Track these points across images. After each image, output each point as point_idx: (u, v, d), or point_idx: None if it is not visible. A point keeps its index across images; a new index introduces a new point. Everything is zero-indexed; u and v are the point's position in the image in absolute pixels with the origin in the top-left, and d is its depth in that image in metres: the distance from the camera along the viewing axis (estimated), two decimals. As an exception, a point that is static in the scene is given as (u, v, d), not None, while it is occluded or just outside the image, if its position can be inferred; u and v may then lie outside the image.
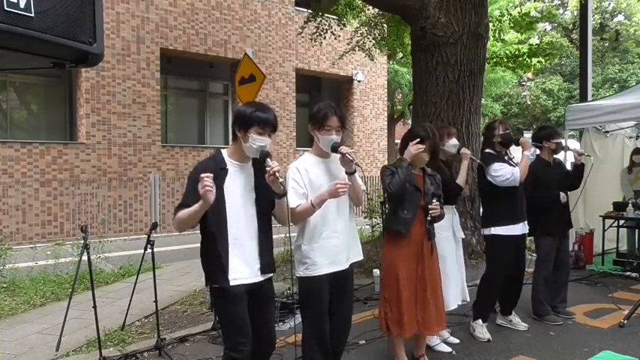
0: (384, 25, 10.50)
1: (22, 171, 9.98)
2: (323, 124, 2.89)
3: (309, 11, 10.56)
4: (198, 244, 2.71)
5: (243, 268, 2.61)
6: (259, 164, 2.61)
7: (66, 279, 6.05)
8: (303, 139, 13.47)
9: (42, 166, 10.20)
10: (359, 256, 3.14)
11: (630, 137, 7.98)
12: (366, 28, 10.66)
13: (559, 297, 4.85)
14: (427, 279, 3.43)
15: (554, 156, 4.79)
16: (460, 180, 4.10)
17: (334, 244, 2.94)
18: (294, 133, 13.83)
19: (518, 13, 11.65)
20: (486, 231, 4.30)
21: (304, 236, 2.95)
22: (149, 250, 4.17)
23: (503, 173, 4.09)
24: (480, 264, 5.73)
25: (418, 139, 3.41)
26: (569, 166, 5.32)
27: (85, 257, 3.93)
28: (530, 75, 24.98)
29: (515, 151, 4.36)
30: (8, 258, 6.11)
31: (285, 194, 2.64)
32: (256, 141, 2.57)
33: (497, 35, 10.98)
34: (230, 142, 2.81)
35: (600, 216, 6.96)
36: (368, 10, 10.34)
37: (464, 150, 4.22)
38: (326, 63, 14.42)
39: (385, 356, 3.81)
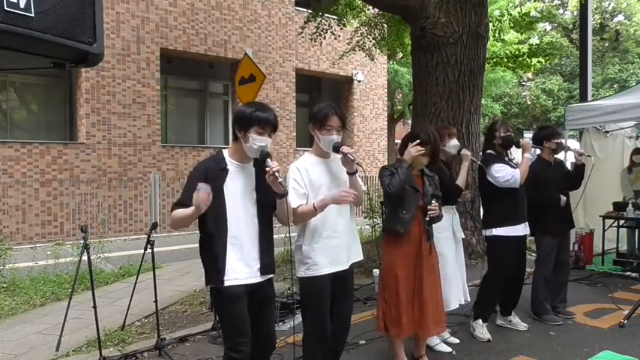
0: (384, 25, 10.51)
1: (22, 171, 9.98)
2: (324, 124, 2.89)
3: (309, 11, 10.57)
4: (198, 244, 2.71)
5: (242, 268, 2.61)
6: (260, 165, 2.61)
7: (66, 279, 6.05)
8: (303, 139, 13.47)
9: (42, 166, 10.20)
10: (359, 257, 3.14)
11: (630, 137, 7.98)
12: (366, 28, 10.66)
13: (559, 297, 4.85)
14: (425, 279, 3.43)
15: (555, 156, 4.79)
16: (460, 181, 4.10)
17: (335, 244, 2.94)
18: (294, 133, 13.84)
19: (518, 13, 11.66)
20: (487, 232, 4.30)
21: (305, 236, 2.94)
22: (149, 250, 4.17)
23: (504, 174, 4.09)
24: (479, 264, 5.73)
25: (418, 141, 3.41)
26: (569, 166, 5.32)
27: (85, 257, 3.93)
28: (530, 75, 24.98)
29: (515, 152, 4.36)
30: (8, 258, 6.11)
31: (285, 194, 2.63)
32: (256, 141, 2.57)
33: (497, 35, 10.99)
34: (230, 142, 2.81)
35: (600, 216, 6.96)
36: (368, 10, 10.35)
37: (464, 151, 4.22)
38: (326, 63, 14.42)
39: (385, 356, 3.81)
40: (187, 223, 2.55)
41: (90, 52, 1.79)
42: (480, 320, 4.25)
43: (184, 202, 2.50)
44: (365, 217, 7.93)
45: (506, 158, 4.28)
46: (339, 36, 10.87)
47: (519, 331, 4.42)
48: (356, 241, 3.14)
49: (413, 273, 3.43)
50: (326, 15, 10.04)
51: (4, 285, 5.85)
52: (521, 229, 4.29)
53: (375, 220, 7.29)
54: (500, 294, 4.39)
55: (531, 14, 12.48)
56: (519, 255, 4.37)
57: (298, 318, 3.71)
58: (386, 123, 16.47)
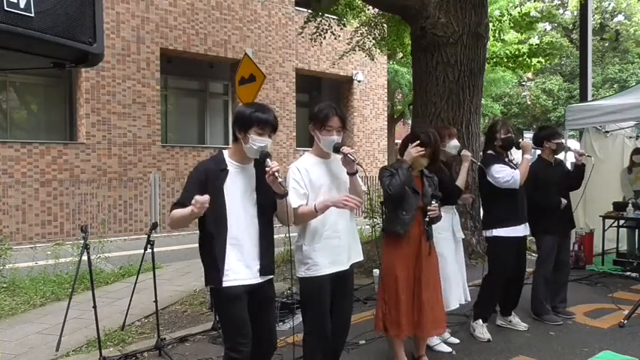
0: (384, 25, 10.50)
1: (22, 171, 9.98)
2: (324, 124, 2.89)
3: (309, 11, 10.56)
4: (198, 244, 2.71)
5: (241, 269, 2.60)
6: (261, 165, 2.60)
7: (66, 279, 6.05)
8: (303, 139, 13.47)
9: (42, 166, 10.20)
10: (359, 257, 3.14)
11: (630, 137, 7.98)
12: (366, 28, 10.66)
13: (559, 297, 4.85)
14: (425, 280, 3.43)
15: (556, 156, 4.79)
16: (460, 182, 4.09)
17: (335, 245, 2.94)
18: (294, 133, 13.83)
19: (518, 13, 11.66)
20: (488, 233, 4.30)
21: (305, 237, 2.94)
22: (149, 250, 4.17)
23: (504, 175, 4.09)
24: (479, 264, 5.73)
25: (418, 142, 3.41)
26: (569, 166, 5.32)
27: (85, 257, 3.93)
28: (530, 75, 24.99)
29: (516, 153, 4.36)
30: (8, 258, 6.10)
31: (285, 194, 2.63)
32: (256, 142, 2.57)
33: (497, 35, 10.99)
34: (230, 142, 2.81)
35: (600, 216, 6.96)
36: (368, 10, 10.35)
37: (464, 152, 4.22)
38: (326, 63, 14.42)
39: (385, 356, 3.81)
40: (186, 223, 2.54)
41: (90, 52, 1.79)
42: (480, 320, 4.26)
43: (184, 202, 2.50)
44: (365, 217, 7.94)
45: (507, 159, 4.28)
46: (339, 36, 10.87)
47: (519, 331, 4.42)
48: (356, 241, 3.14)
49: (413, 274, 3.43)
50: (326, 15, 10.03)
51: (4, 285, 5.85)
52: (522, 230, 4.29)
53: (375, 220, 7.29)
54: (500, 294, 4.39)
55: (531, 14, 12.48)
56: (519, 255, 4.37)
57: (298, 318, 3.71)
58: (386, 123, 16.47)
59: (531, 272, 4.89)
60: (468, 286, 4.42)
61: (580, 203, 5.38)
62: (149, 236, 4.15)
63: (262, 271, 2.67)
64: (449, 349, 3.95)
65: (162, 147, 11.74)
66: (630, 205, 6.62)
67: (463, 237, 4.38)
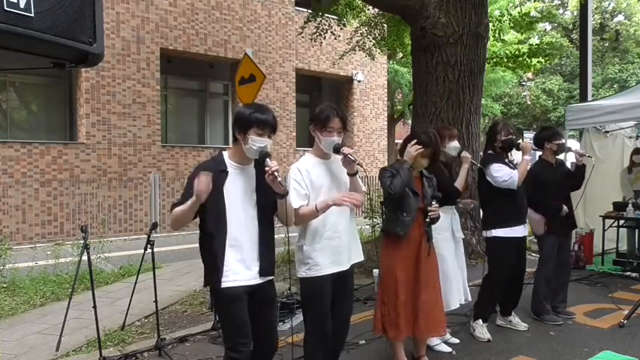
0: (384, 25, 10.50)
1: (22, 171, 9.98)
2: (325, 125, 2.89)
3: (309, 11, 10.57)
4: (198, 244, 2.71)
5: (241, 269, 2.60)
6: (261, 166, 2.60)
7: (66, 279, 6.05)
8: (303, 139, 13.47)
9: (42, 166, 10.20)
10: (360, 257, 3.15)
11: (630, 137, 7.98)
12: (366, 28, 10.66)
13: (559, 297, 4.85)
14: (425, 281, 3.42)
15: (557, 157, 4.79)
16: (458, 183, 4.09)
17: (336, 245, 2.94)
18: (294, 133, 13.83)
19: (518, 13, 11.66)
20: (487, 233, 4.30)
21: (306, 237, 2.95)
22: (149, 250, 4.17)
23: (502, 175, 4.09)
24: (479, 264, 5.73)
25: (416, 141, 3.40)
26: (569, 166, 5.32)
27: (85, 257, 3.93)
28: (530, 75, 24.99)
29: (516, 153, 4.36)
30: (8, 258, 6.10)
31: (285, 194, 2.63)
32: (256, 142, 2.57)
33: (497, 35, 10.99)
34: (230, 142, 2.81)
35: (600, 216, 6.96)
36: (368, 10, 10.35)
37: (464, 153, 4.21)
38: (326, 63, 14.42)
39: (385, 356, 3.81)
40: (188, 217, 2.52)
41: (90, 52, 1.79)
42: (480, 320, 4.26)
43: (184, 202, 2.50)
44: (365, 217, 7.94)
45: (506, 160, 4.28)
46: (339, 36, 10.87)
47: (519, 331, 4.42)
48: (356, 241, 3.14)
49: (412, 275, 3.42)
50: (326, 15, 10.04)
51: (4, 285, 5.84)
52: (521, 230, 4.29)
53: (375, 220, 7.30)
54: (500, 294, 4.39)
55: (531, 14, 12.47)
56: (519, 256, 4.37)
57: (298, 318, 3.71)
58: (386, 123, 16.47)
59: (531, 272, 4.89)
60: (468, 286, 4.41)
61: (580, 203, 5.38)
62: (149, 236, 4.15)
63: (262, 272, 2.66)
64: (449, 349, 3.95)
65: (162, 147, 11.74)
66: (630, 205, 6.62)
67: (463, 237, 4.37)
